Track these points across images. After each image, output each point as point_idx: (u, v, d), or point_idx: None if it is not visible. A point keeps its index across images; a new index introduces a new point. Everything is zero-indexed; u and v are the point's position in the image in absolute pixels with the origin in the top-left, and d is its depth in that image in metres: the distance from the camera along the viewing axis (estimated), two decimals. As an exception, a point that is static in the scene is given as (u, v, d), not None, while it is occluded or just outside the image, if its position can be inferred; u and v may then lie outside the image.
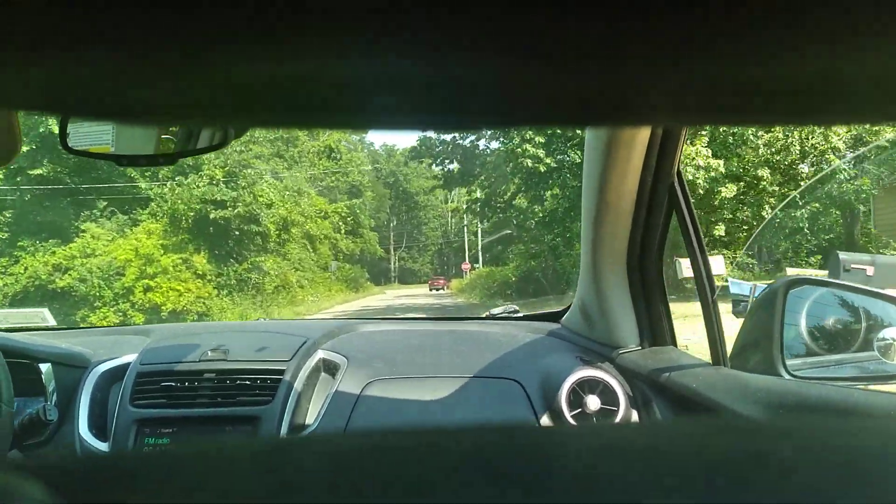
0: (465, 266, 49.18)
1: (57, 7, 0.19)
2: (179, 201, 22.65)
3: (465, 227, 61.21)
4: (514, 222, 28.22)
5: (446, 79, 0.23)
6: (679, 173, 1.46)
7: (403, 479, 0.31)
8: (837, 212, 12.52)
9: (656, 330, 1.64)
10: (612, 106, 0.26)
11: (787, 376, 1.25)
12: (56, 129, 1.75)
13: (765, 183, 12.87)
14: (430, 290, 45.68)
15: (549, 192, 18.48)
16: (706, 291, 1.42)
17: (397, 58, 0.21)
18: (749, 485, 0.31)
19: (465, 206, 46.77)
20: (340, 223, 40.04)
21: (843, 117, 0.32)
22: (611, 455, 0.35)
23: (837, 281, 1.47)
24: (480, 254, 49.26)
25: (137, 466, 0.35)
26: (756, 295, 1.49)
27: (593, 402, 1.54)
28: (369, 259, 54.86)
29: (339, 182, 47.92)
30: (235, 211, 23.31)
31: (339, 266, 39.33)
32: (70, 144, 1.23)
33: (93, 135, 1.23)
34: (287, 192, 29.91)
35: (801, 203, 11.51)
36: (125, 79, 0.23)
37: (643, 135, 1.38)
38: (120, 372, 1.73)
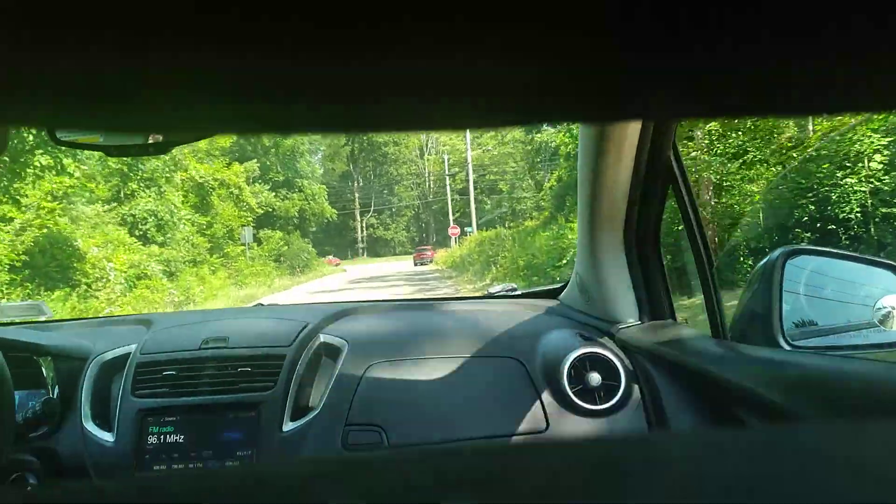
0: (454, 230, 38.66)
1: (38, 11, 0.19)
2: None
3: (448, 181, 51.11)
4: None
5: (436, 80, 0.23)
6: (675, 146, 1.45)
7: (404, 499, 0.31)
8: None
9: (655, 304, 1.65)
10: (607, 103, 0.26)
11: (787, 347, 1.25)
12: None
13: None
14: (416, 264, 38.26)
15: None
16: (704, 264, 1.43)
17: (393, 59, 0.21)
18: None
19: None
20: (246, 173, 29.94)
21: (842, 108, 0.30)
22: (617, 470, 0.34)
23: (835, 250, 1.47)
24: (474, 215, 38.22)
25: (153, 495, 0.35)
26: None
27: (594, 379, 1.55)
28: (316, 222, 42.50)
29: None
30: None
31: (266, 236, 30.74)
32: (58, 136, 1.21)
33: (81, 125, 1.22)
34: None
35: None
36: (112, 94, 0.23)
37: None
38: (120, 362, 1.72)
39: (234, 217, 25.50)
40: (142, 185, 18.91)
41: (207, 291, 18.21)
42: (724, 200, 8.99)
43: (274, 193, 36.79)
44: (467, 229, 37.77)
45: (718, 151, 9.10)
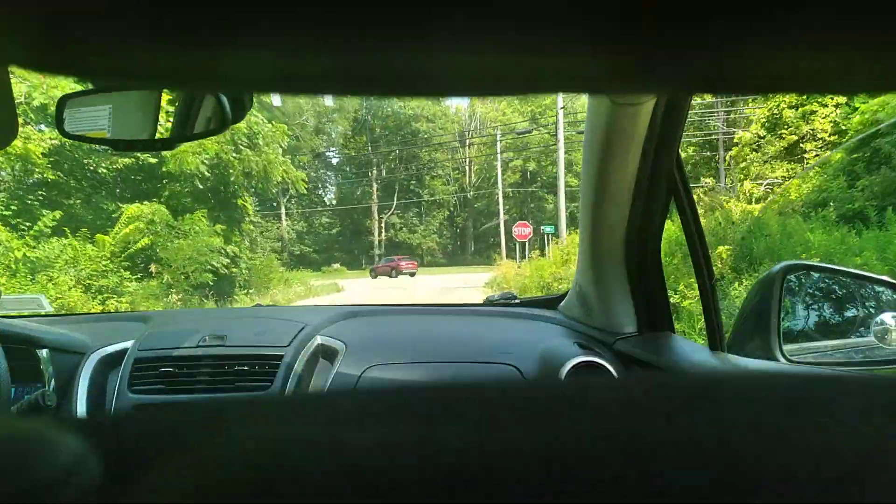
0: (523, 231, 23.86)
1: None
2: None
3: (499, 170, 38.52)
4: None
5: (445, 42, 0.23)
6: (679, 158, 1.45)
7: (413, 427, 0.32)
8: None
9: (654, 316, 1.64)
10: (621, 73, 0.27)
11: (784, 361, 1.25)
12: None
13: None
14: (374, 276, 31.84)
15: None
16: (704, 277, 1.42)
17: (405, 12, 0.21)
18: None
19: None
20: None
21: (856, 86, 0.31)
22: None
23: (835, 266, 1.47)
24: (563, 204, 21.94)
25: (163, 418, 0.36)
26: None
27: None
28: (254, 190, 20.49)
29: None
30: None
31: (132, 213, 15.17)
32: (66, 129, 1.23)
33: (89, 119, 1.23)
34: None
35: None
36: (130, 42, 0.23)
37: (644, 117, 1.38)
38: (118, 358, 1.73)
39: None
40: None
41: None
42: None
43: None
44: (547, 229, 25.43)
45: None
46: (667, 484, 0.28)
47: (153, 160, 17.35)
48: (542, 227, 26.54)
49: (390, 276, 31.38)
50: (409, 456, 0.29)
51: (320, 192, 45.78)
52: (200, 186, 17.85)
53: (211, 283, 16.65)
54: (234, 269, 18.44)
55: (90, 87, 1.26)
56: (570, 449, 0.30)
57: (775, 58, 0.25)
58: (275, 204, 39.25)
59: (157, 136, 1.21)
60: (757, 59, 0.25)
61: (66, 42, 0.23)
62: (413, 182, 46.80)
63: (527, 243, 24.21)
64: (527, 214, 34.87)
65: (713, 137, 25.36)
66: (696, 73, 0.27)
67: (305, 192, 27.67)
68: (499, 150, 39.44)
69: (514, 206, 43.17)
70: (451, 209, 47.32)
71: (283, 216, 39.72)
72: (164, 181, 18.12)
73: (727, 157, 21.65)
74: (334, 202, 44.46)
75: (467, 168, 46.94)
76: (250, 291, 18.89)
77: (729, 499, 0.27)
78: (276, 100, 25.47)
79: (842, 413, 0.37)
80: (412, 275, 31.56)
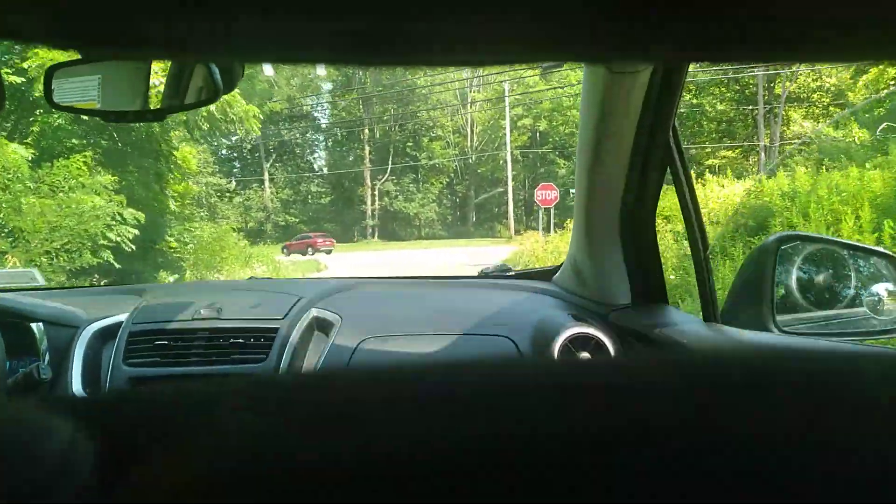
0: (548, 195, 20.77)
1: None
2: None
3: (507, 126, 34.49)
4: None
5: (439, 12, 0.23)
6: (675, 129, 1.45)
7: (402, 412, 0.32)
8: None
9: (648, 287, 1.65)
10: (616, 41, 0.27)
11: (778, 332, 1.26)
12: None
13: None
14: (287, 253, 27.82)
15: None
16: (699, 248, 1.42)
17: None
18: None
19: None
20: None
21: (848, 54, 0.31)
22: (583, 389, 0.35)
23: (828, 237, 1.47)
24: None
25: (159, 400, 0.36)
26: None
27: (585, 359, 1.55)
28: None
29: None
30: None
31: None
32: (55, 100, 1.21)
33: (78, 90, 1.22)
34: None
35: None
36: (123, 8, 0.22)
37: (640, 86, 1.37)
38: (112, 331, 1.73)
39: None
40: None
41: None
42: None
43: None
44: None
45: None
46: (672, 471, 0.27)
47: (18, 79, 11.19)
48: (572, 191, 22.51)
49: (304, 254, 28.41)
50: (407, 445, 0.29)
51: (308, 157, 42.43)
52: (85, 118, 10.75)
53: (116, 266, 11.15)
54: (172, 246, 13.55)
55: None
56: (571, 434, 0.29)
57: (773, 25, 0.25)
58: (258, 169, 37.69)
59: (148, 106, 1.20)
60: (753, 26, 0.25)
61: (53, 11, 0.22)
62: (409, 144, 40.88)
63: (551, 210, 21.44)
64: (534, 181, 31.71)
65: (752, 90, 23.73)
66: (693, 40, 0.27)
67: (259, 132, 21.29)
68: (507, 103, 35.27)
69: (521, 171, 38.59)
70: (452, 175, 41.28)
71: (267, 182, 36.98)
72: (36, 112, 12.28)
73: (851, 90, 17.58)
74: (325, 169, 41.16)
75: (469, 130, 40.53)
76: (181, 276, 13.19)
77: (735, 482, 0.26)
78: (268, 69, 24.71)
79: (840, 386, 0.37)
80: (328, 252, 29.00)
